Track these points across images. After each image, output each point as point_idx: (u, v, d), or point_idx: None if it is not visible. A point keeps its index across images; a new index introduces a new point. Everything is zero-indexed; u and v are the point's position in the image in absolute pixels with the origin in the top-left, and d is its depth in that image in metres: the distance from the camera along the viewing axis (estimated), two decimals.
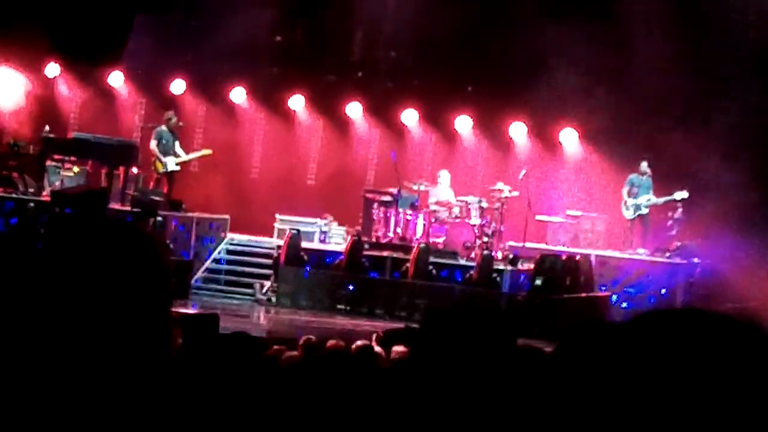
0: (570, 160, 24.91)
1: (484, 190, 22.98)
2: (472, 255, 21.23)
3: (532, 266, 20.56)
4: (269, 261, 22.05)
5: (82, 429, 2.06)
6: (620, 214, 23.16)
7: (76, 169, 24.31)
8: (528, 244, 22.06)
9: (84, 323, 2.09)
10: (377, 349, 9.62)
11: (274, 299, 21.37)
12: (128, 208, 21.84)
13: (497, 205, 22.16)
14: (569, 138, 24.69)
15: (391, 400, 2.87)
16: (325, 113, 26.51)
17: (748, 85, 21.92)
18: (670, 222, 22.37)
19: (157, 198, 22.43)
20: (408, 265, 20.81)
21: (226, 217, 23.58)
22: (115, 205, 21.99)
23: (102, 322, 2.10)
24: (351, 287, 20.94)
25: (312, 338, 10.15)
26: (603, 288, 21.46)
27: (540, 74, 23.13)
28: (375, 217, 22.48)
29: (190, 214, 22.79)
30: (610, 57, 23.11)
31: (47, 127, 24.35)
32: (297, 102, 26.52)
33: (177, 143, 23.69)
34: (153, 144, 23.43)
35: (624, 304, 21.13)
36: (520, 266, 20.91)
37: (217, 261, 22.92)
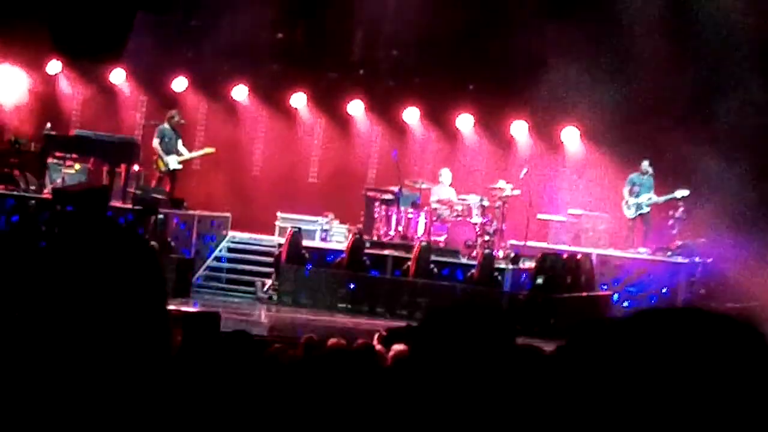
0: (571, 159, 24.91)
1: (486, 188, 22.97)
2: (474, 254, 21.23)
3: (533, 265, 20.56)
4: (270, 259, 22.05)
5: (82, 426, 2.06)
6: (621, 212, 23.16)
7: (77, 166, 24.32)
8: (529, 243, 22.06)
9: (83, 321, 2.09)
10: (378, 347, 9.62)
11: (275, 297, 21.38)
12: (129, 206, 21.84)
13: (498, 203, 22.15)
14: (571, 137, 24.68)
15: (391, 399, 2.87)
16: (327, 111, 26.51)
17: (748, 83, 21.90)
18: (671, 221, 22.36)
19: (159, 196, 22.43)
20: (409, 263, 20.81)
21: (228, 215, 23.58)
22: (116, 203, 21.99)
23: (101, 321, 2.10)
24: (352, 286, 20.94)
25: (313, 337, 10.15)
26: (604, 287, 21.46)
27: (541, 73, 23.12)
28: (376, 216, 22.48)
29: (191, 212, 22.79)
30: (611, 56, 23.12)
31: (49, 125, 24.36)
32: (298, 100, 26.53)
33: (180, 141, 23.70)
34: (156, 142, 23.43)
35: (625, 303, 21.13)
36: (521, 265, 20.92)
37: (218, 259, 22.92)
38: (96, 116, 26.52)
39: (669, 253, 22.08)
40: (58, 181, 23.57)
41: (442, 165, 24.05)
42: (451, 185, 23.16)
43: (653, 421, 1.54)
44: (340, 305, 20.75)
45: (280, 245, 21.87)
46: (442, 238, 21.99)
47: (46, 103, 26.50)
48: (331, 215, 23.89)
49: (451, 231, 22.07)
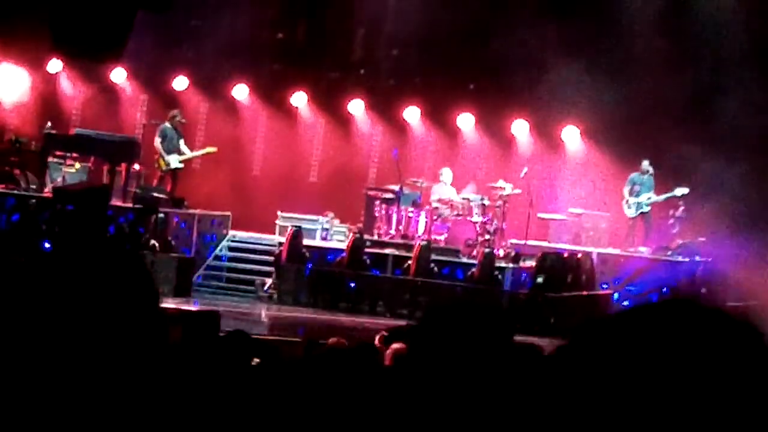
0: (572, 158, 24.90)
1: (486, 187, 22.97)
2: (474, 253, 21.23)
3: (533, 264, 20.56)
4: (271, 258, 22.05)
5: (80, 425, 2.06)
6: (622, 212, 23.16)
7: (77, 165, 24.32)
8: (530, 242, 22.06)
9: (82, 322, 2.09)
10: (380, 347, 9.61)
11: (275, 296, 21.38)
12: (130, 205, 21.84)
13: (499, 202, 22.16)
14: (571, 136, 24.68)
15: (390, 397, 2.87)
16: (327, 110, 26.51)
17: (748, 83, 21.89)
18: (671, 220, 22.36)
19: (159, 195, 22.43)
20: (410, 262, 20.82)
21: (228, 214, 23.58)
22: (116, 202, 21.98)
23: (98, 322, 2.10)
24: (352, 285, 20.94)
25: (313, 336, 10.15)
26: (604, 286, 21.46)
27: (541, 72, 23.13)
28: (377, 215, 22.49)
29: (191, 211, 22.80)
30: (611, 55, 23.12)
31: (49, 124, 24.35)
32: (299, 99, 26.52)
33: (182, 141, 23.73)
34: (157, 141, 23.46)
35: (625, 303, 21.12)
36: (521, 264, 20.92)
37: (218, 258, 22.93)
38: (96, 115, 26.52)
39: (669, 252, 22.08)
40: (59, 180, 23.57)
41: (442, 164, 24.05)
42: (451, 184, 23.16)
43: (651, 418, 1.53)
44: (340, 304, 20.75)
45: (280, 244, 21.88)
46: (442, 237, 22.00)
47: (46, 102, 26.50)
48: (331, 214, 23.90)
49: (452, 230, 22.07)
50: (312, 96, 26.49)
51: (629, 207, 22.97)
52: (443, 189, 23.00)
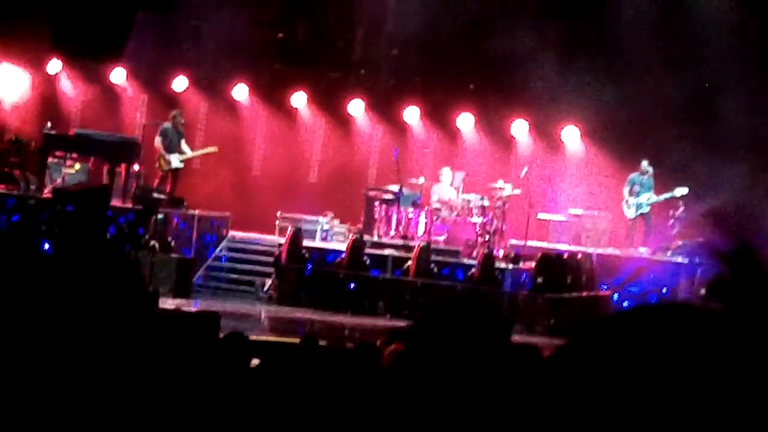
0: (572, 159, 24.90)
1: (486, 188, 22.97)
2: (474, 253, 21.24)
3: (533, 265, 20.56)
4: (271, 259, 22.05)
5: (77, 424, 2.06)
6: (622, 212, 23.15)
7: (77, 166, 24.32)
8: (530, 243, 22.06)
9: (76, 324, 2.09)
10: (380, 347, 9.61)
11: (275, 297, 21.37)
12: (130, 206, 21.84)
13: (499, 203, 22.16)
14: (571, 136, 24.68)
15: (388, 397, 2.87)
16: (327, 111, 26.51)
17: (748, 83, 21.88)
18: (671, 221, 22.36)
19: (159, 195, 22.44)
20: (410, 263, 20.82)
21: (228, 214, 23.58)
22: (116, 203, 21.98)
23: (91, 325, 2.10)
24: (352, 285, 20.94)
25: (313, 336, 10.15)
26: (604, 287, 21.45)
27: (542, 72, 23.13)
28: (377, 215, 22.49)
29: (191, 212, 22.79)
30: (611, 55, 23.12)
31: (49, 124, 24.36)
32: (299, 99, 26.52)
33: (183, 141, 23.76)
34: (158, 141, 23.48)
35: (625, 303, 21.11)
36: (521, 265, 20.92)
37: (218, 259, 22.92)
38: (96, 115, 26.52)
39: (669, 252, 22.08)
40: (59, 180, 23.56)
41: (442, 164, 24.04)
42: (451, 184, 23.16)
43: (648, 421, 1.53)
44: (340, 305, 20.75)
45: (280, 245, 21.88)
46: (442, 238, 22.00)
47: (46, 102, 26.49)
48: (330, 215, 23.89)
49: (452, 231, 22.08)
50: (312, 96, 26.49)
51: (629, 207, 22.96)
52: (443, 189, 23.00)
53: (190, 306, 18.81)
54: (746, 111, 21.87)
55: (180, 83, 26.70)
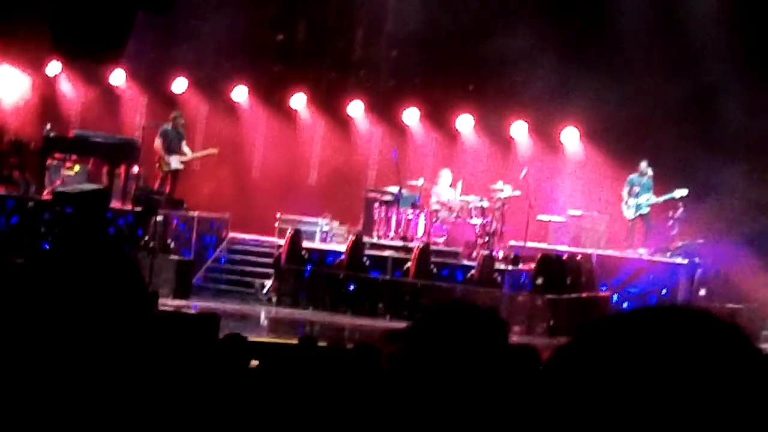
0: (571, 160, 24.90)
1: (486, 189, 22.97)
2: (474, 255, 21.24)
3: (533, 266, 20.56)
4: (270, 260, 22.05)
5: (75, 424, 2.06)
6: (621, 213, 23.15)
7: (77, 167, 24.31)
8: (529, 244, 22.05)
9: (79, 319, 2.09)
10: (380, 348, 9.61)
11: (275, 299, 21.38)
12: (129, 207, 21.84)
13: (498, 204, 22.16)
14: (570, 137, 24.68)
15: (386, 397, 2.87)
16: (327, 112, 26.51)
17: (747, 84, 21.88)
18: (671, 221, 22.36)
19: (158, 197, 22.44)
20: (409, 264, 20.82)
21: (227, 216, 23.58)
22: (116, 204, 21.98)
23: (89, 323, 2.10)
24: (352, 287, 20.94)
25: (311, 338, 10.15)
26: (604, 288, 21.46)
27: (541, 73, 23.13)
28: (376, 217, 22.49)
29: (191, 213, 22.79)
30: (611, 56, 23.12)
31: (49, 126, 24.36)
32: (298, 100, 26.52)
33: (183, 142, 23.78)
34: (158, 143, 23.49)
35: (625, 304, 21.12)
36: (521, 266, 20.92)
37: (218, 260, 22.92)
38: (96, 117, 26.51)
39: (669, 253, 22.08)
40: (58, 182, 23.56)
41: (441, 166, 24.04)
42: (451, 186, 23.15)
43: (644, 422, 1.54)
44: (340, 306, 20.75)
45: (279, 246, 21.88)
46: (441, 239, 22.00)
47: (46, 104, 26.49)
48: (329, 216, 23.88)
49: (451, 232, 22.08)
50: (311, 97, 26.49)
51: (628, 208, 22.96)
52: (442, 191, 23.00)
53: (190, 307, 18.82)
54: (746, 111, 21.87)
55: (179, 85, 26.70)
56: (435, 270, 20.85)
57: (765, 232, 21.02)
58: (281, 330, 18.65)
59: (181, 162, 23.58)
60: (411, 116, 25.82)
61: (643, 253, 22.37)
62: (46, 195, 22.11)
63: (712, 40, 22.59)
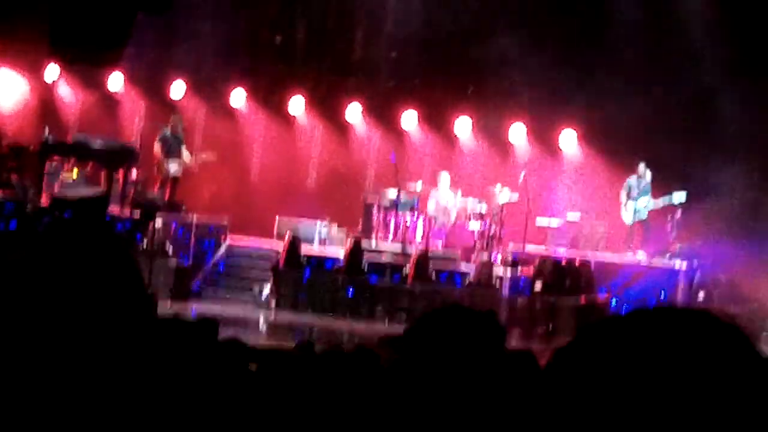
0: (569, 163, 24.91)
1: (484, 193, 22.99)
2: (472, 259, 21.24)
3: (531, 270, 20.56)
4: (269, 264, 22.05)
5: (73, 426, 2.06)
6: (620, 216, 23.16)
7: (75, 171, 24.29)
8: (528, 248, 22.06)
9: (78, 320, 2.09)
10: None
11: (273, 302, 21.37)
12: (128, 212, 21.84)
13: (497, 208, 22.16)
14: (569, 140, 24.69)
15: (384, 402, 2.87)
16: (325, 115, 26.52)
17: (745, 86, 21.90)
18: (669, 225, 22.37)
19: (157, 201, 22.44)
20: (408, 268, 20.82)
21: (226, 220, 23.58)
22: (114, 208, 21.98)
23: (93, 320, 2.10)
24: (351, 291, 20.94)
25: (309, 343, 10.13)
26: (603, 291, 21.46)
27: (539, 76, 23.15)
28: (375, 221, 22.50)
29: (189, 218, 22.79)
30: (609, 59, 23.13)
31: (47, 130, 24.35)
32: (297, 103, 26.53)
33: (183, 147, 23.79)
34: (157, 147, 23.50)
35: (624, 308, 21.11)
36: (519, 270, 20.92)
37: (216, 264, 22.91)
38: (95, 121, 26.51)
39: (667, 256, 22.09)
40: (56, 186, 23.54)
41: (440, 169, 24.05)
42: (450, 189, 23.16)
43: (645, 425, 1.53)
44: (338, 310, 20.74)
45: (278, 251, 21.88)
46: (440, 243, 22.00)
47: (44, 108, 26.49)
48: (328, 219, 23.88)
49: (450, 236, 22.08)
50: (310, 100, 26.50)
51: (627, 212, 22.97)
52: (441, 195, 23.00)
53: (189, 312, 18.80)
54: (744, 113, 21.89)
55: (178, 88, 26.70)
56: (434, 274, 20.86)
57: (764, 234, 21.03)
58: (280, 334, 18.64)
59: (180, 167, 23.58)
60: (409, 119, 25.83)
61: (641, 256, 22.38)
62: (44, 199, 22.11)
63: (710, 41, 22.61)
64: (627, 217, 22.98)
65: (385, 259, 21.51)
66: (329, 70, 26.34)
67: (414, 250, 21.20)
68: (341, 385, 3.45)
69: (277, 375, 3.82)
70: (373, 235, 22.41)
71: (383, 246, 22.10)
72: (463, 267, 21.11)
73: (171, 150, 23.51)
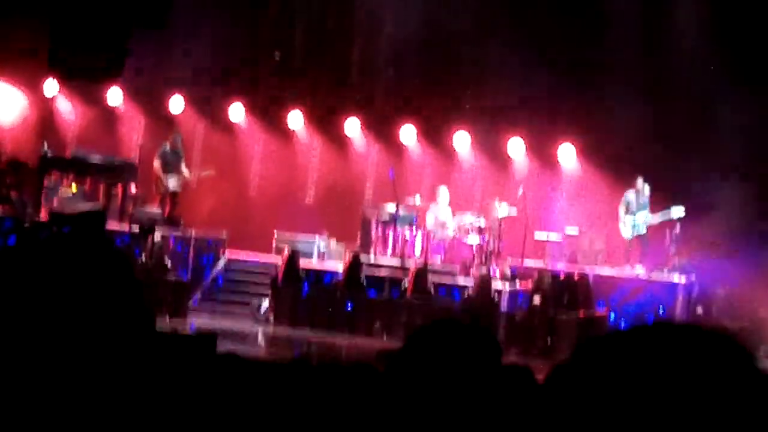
0: (568, 177, 24.91)
1: (483, 207, 23.00)
2: (471, 273, 21.23)
3: (530, 284, 20.55)
4: (268, 279, 22.03)
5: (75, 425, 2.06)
6: (618, 231, 23.15)
7: (74, 187, 24.30)
8: (526, 262, 22.05)
9: (77, 331, 2.10)
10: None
11: (272, 318, 21.35)
12: (127, 227, 21.84)
13: (495, 223, 22.16)
14: (567, 154, 24.69)
15: (379, 415, 2.87)
16: (323, 130, 26.52)
17: (743, 102, 21.91)
18: (668, 240, 22.36)
19: (155, 216, 22.44)
20: (406, 283, 20.81)
21: (225, 234, 23.58)
22: (113, 224, 21.98)
23: (93, 333, 2.11)
24: (349, 306, 20.92)
25: (309, 356, 10.14)
26: (601, 306, 21.44)
27: (537, 90, 23.18)
28: (373, 235, 22.49)
29: (188, 232, 22.79)
30: (607, 73, 23.16)
31: (46, 145, 24.36)
32: (295, 118, 26.53)
33: (183, 163, 23.82)
34: (156, 163, 23.53)
35: (622, 322, 21.09)
36: (518, 284, 20.91)
37: (215, 279, 22.90)
38: (93, 137, 26.51)
39: (666, 271, 22.08)
40: (55, 201, 23.55)
41: (438, 184, 24.06)
42: (448, 204, 23.16)
43: None
44: (337, 325, 20.72)
45: (277, 265, 21.87)
46: (439, 258, 22.00)
47: (43, 123, 26.49)
48: (326, 234, 23.87)
49: (448, 251, 22.08)
50: (308, 115, 26.51)
51: (625, 226, 22.96)
52: (440, 209, 23.00)
53: (187, 327, 18.79)
54: (742, 126, 21.89)
55: (176, 103, 26.70)
56: (432, 289, 20.84)
57: (762, 248, 21.02)
58: (278, 349, 18.62)
59: (180, 183, 23.60)
60: (408, 134, 25.83)
61: (640, 271, 22.37)
62: (43, 215, 22.11)
63: (709, 55, 22.62)
64: (625, 231, 22.97)
65: (383, 273, 21.49)
66: (327, 84, 26.36)
67: (413, 265, 21.19)
68: (338, 398, 3.45)
69: (274, 388, 3.82)
70: (372, 250, 22.40)
71: (382, 260, 22.09)
72: (462, 281, 21.10)
73: (170, 166, 23.53)
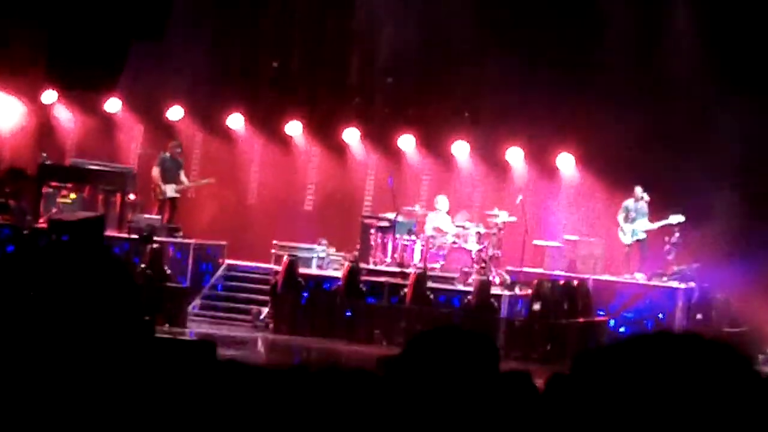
0: (567, 185, 24.91)
1: (482, 215, 23.00)
2: (470, 280, 21.22)
3: (529, 291, 20.55)
4: (267, 287, 22.03)
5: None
6: (617, 238, 23.15)
7: (73, 195, 24.29)
8: (525, 269, 22.05)
9: (72, 324, 2.10)
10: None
11: (271, 325, 21.34)
12: (125, 235, 21.84)
13: (494, 230, 22.16)
14: (566, 162, 24.68)
15: (379, 421, 2.87)
16: (322, 139, 26.50)
17: (742, 109, 21.91)
18: (667, 246, 22.36)
19: (155, 225, 22.44)
20: (406, 290, 20.80)
21: (224, 242, 23.57)
22: (112, 232, 21.98)
23: (94, 341, 2.11)
24: (349, 313, 20.91)
25: (309, 363, 10.13)
26: (601, 313, 21.44)
27: (536, 99, 23.19)
28: (372, 243, 22.48)
29: (187, 241, 22.79)
30: (605, 82, 23.16)
31: (44, 154, 24.37)
32: (294, 127, 26.52)
33: (182, 171, 23.87)
34: (155, 171, 23.56)
35: (622, 329, 21.10)
36: (517, 291, 20.91)
37: (214, 287, 22.89)
38: (92, 145, 26.50)
39: (665, 278, 22.08)
40: (54, 210, 23.55)
41: (437, 192, 24.06)
42: (447, 212, 23.15)
43: None
44: (336, 332, 20.71)
45: (276, 273, 21.86)
46: (438, 265, 21.99)
47: (42, 132, 26.49)
48: (326, 242, 23.84)
49: (448, 258, 22.07)
50: (307, 124, 26.49)
51: (624, 234, 22.96)
52: (439, 217, 22.99)
53: (186, 335, 18.79)
54: (741, 134, 21.90)
55: (175, 112, 26.68)
56: (432, 296, 20.84)
57: (761, 255, 21.02)
58: (278, 356, 18.61)
59: (177, 191, 23.62)
60: (406, 142, 25.82)
61: (639, 278, 22.37)
62: (42, 223, 22.10)
63: (706, 63, 22.62)
64: (625, 239, 22.98)
65: (383, 280, 21.48)
66: (326, 94, 26.36)
67: (412, 272, 21.19)
68: (338, 405, 3.45)
69: (274, 395, 3.82)
70: (371, 257, 22.40)
71: (381, 268, 22.08)
72: (461, 288, 21.09)
73: (169, 174, 23.55)
